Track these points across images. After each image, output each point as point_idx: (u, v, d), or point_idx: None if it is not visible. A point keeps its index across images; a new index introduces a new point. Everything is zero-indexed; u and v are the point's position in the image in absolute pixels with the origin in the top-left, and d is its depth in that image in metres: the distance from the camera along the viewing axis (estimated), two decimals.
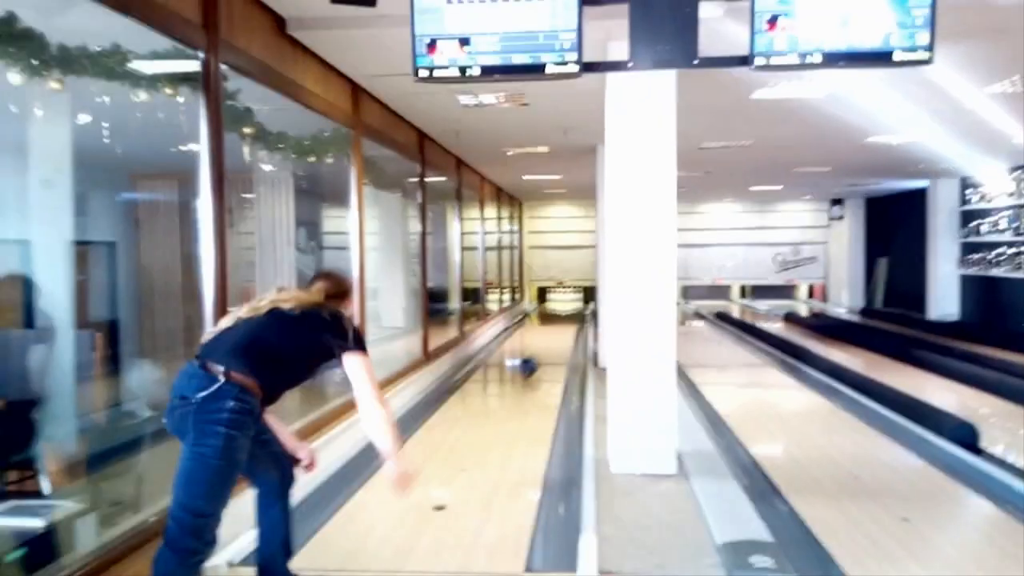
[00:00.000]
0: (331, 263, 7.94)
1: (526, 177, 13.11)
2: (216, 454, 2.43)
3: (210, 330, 2.82)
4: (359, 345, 2.79)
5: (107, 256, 6.29)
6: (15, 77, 3.27)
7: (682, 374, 7.95)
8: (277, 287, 2.96)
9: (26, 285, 3.67)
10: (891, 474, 4.81)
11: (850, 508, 4.07)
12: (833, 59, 3.06)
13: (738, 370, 9.54)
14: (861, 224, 18.58)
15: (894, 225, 16.81)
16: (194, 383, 2.51)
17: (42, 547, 2.96)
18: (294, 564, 2.93)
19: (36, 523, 2.96)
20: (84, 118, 4.15)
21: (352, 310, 3.06)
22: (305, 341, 2.75)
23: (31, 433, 3.48)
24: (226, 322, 2.76)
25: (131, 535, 3.09)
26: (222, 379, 2.51)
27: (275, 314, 2.73)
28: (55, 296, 4.00)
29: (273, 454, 2.85)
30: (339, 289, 2.97)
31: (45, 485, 3.47)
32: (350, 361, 2.74)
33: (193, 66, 3.58)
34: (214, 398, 2.48)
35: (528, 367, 9.02)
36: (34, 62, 3.28)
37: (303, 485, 4.21)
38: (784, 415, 6.86)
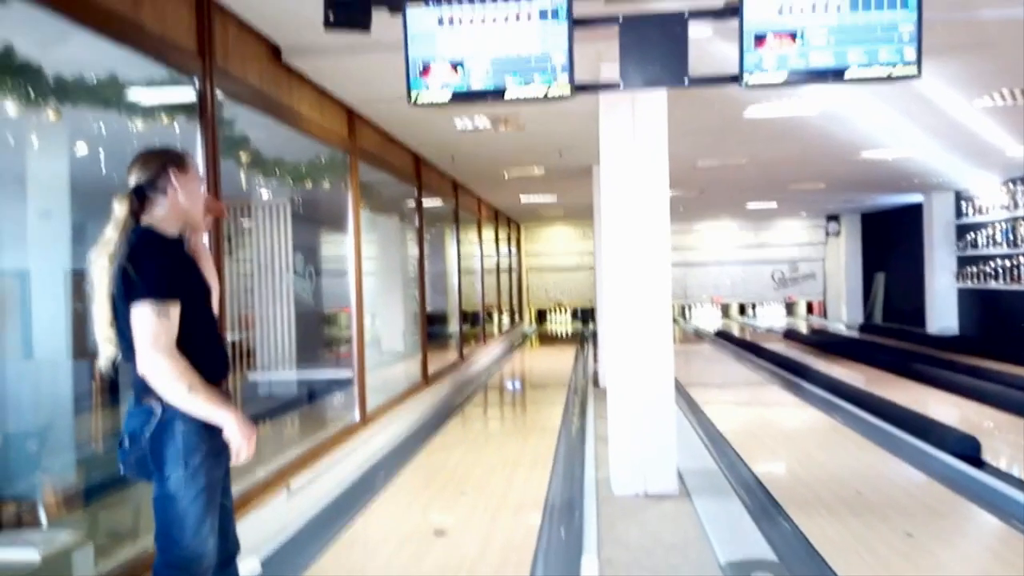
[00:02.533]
0: (329, 288, 7.94)
1: (524, 199, 13.16)
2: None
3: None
4: (148, 290, 2.06)
5: None
6: (13, 109, 3.30)
7: (683, 392, 7.92)
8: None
9: None
10: (894, 489, 4.78)
11: (854, 524, 4.04)
12: (822, 75, 3.10)
13: (739, 388, 9.51)
14: (857, 240, 18.65)
15: (890, 240, 16.86)
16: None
17: None
18: None
19: (32, 555, 2.93)
20: (82, 147, 4.18)
21: (180, 207, 2.25)
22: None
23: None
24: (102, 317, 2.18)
25: (128, 565, 3.07)
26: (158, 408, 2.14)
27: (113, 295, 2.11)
28: (54, 326, 4.00)
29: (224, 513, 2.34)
30: (146, 186, 2.19)
31: (43, 516, 3.44)
32: (133, 316, 2.07)
33: (189, 94, 3.62)
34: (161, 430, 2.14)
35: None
36: (32, 94, 3.31)
37: (301, 515, 4.19)
38: (786, 432, 6.82)
